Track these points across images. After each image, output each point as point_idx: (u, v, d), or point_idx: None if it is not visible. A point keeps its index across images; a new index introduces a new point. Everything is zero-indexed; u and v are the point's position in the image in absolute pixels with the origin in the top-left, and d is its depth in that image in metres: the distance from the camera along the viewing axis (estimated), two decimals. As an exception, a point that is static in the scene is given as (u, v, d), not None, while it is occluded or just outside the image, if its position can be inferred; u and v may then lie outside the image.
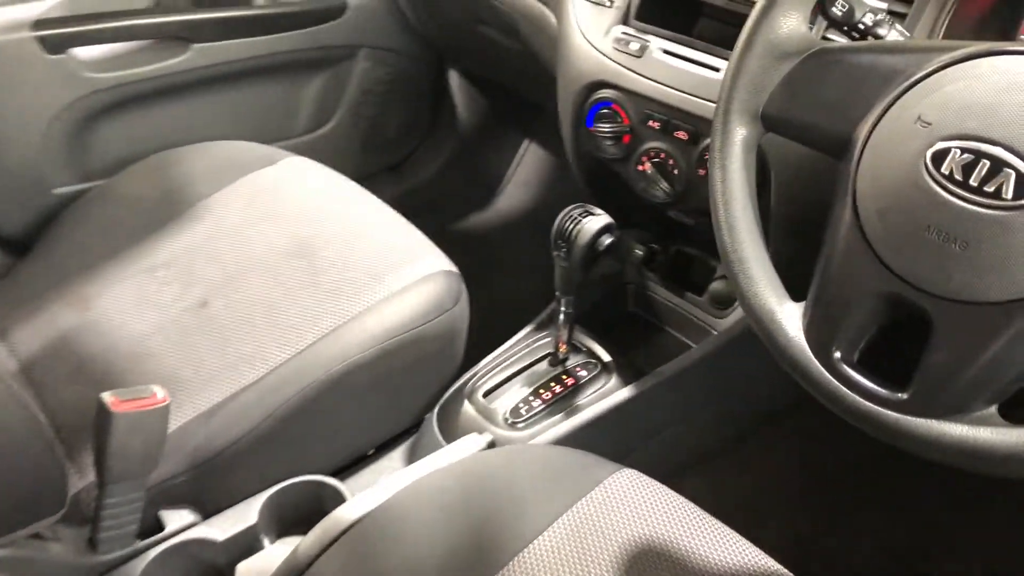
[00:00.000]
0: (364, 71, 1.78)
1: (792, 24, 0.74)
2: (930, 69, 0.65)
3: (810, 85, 0.72)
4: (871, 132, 0.66)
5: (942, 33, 0.91)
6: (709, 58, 1.09)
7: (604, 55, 1.16)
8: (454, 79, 2.03)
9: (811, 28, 0.76)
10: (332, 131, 1.79)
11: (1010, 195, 0.58)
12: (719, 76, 1.06)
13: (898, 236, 0.63)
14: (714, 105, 1.04)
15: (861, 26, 0.82)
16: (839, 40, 0.82)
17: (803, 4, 0.74)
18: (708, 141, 1.06)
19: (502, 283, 1.82)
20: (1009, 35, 0.90)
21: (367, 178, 1.55)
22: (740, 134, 0.75)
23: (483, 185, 2.17)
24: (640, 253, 1.25)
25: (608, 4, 1.17)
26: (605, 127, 1.16)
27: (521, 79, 1.83)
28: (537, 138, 2.16)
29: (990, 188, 0.59)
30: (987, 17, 0.95)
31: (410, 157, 2.03)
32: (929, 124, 0.63)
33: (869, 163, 0.66)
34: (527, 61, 1.52)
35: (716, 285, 1.30)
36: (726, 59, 1.06)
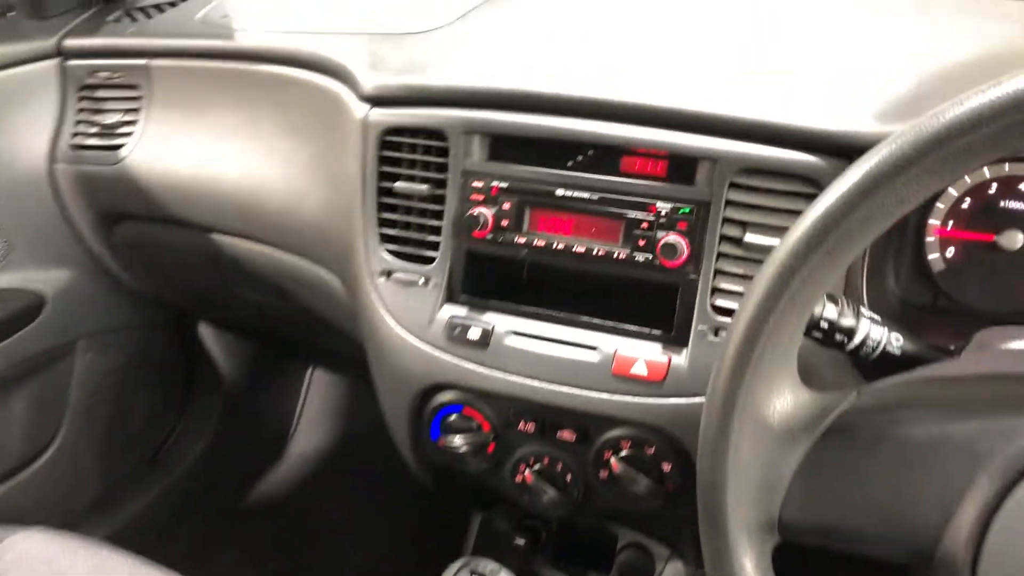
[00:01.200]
0: (87, 365, 1.36)
1: (787, 394, 0.50)
2: None
3: (846, 475, 0.49)
4: (980, 543, 0.43)
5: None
6: (578, 332, 0.84)
7: (436, 349, 0.88)
8: (206, 332, 1.65)
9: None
10: (57, 455, 1.34)
11: None
12: (598, 355, 0.82)
13: None
14: (601, 395, 0.82)
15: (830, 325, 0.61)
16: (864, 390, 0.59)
17: (790, 352, 0.51)
18: (608, 436, 0.82)
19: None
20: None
21: (116, 486, 1.30)
22: (744, 563, 0.50)
23: (269, 437, 1.78)
24: (521, 543, 0.97)
25: (422, 282, 0.89)
26: (458, 440, 0.88)
27: (295, 328, 1.50)
28: (323, 361, 1.82)
29: None
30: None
31: (170, 439, 1.61)
32: None
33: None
34: (300, 315, 1.22)
35: (625, 557, 1.05)
36: (601, 330, 0.83)
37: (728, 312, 0.79)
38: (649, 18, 0.97)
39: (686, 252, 0.80)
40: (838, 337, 0.61)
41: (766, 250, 0.78)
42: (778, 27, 0.92)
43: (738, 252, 0.79)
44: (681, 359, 0.81)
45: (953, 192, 0.81)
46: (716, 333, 0.80)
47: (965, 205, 0.81)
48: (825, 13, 0.94)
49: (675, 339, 0.82)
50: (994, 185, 0.80)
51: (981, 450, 0.45)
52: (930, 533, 0.45)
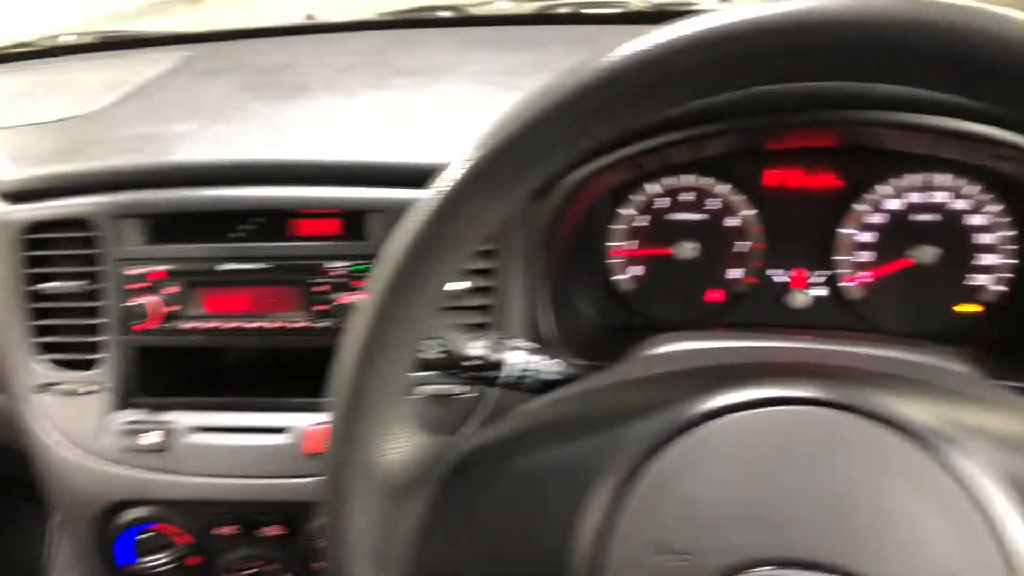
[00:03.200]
0: None
1: (401, 440, 0.45)
2: (640, 456, 0.41)
3: (465, 522, 0.44)
4: (600, 564, 0.40)
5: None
6: (266, 416, 0.77)
7: (111, 463, 0.77)
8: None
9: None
10: None
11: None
12: (288, 437, 0.75)
13: None
14: (297, 480, 0.75)
15: (476, 364, 0.57)
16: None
17: (400, 400, 0.46)
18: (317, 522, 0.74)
19: None
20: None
21: None
22: None
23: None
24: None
25: (88, 390, 0.79)
26: (156, 560, 0.77)
27: None
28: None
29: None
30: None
31: None
32: (686, 554, 0.38)
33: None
34: None
35: None
36: (291, 408, 0.76)
37: None
38: (291, 79, 0.93)
39: (367, 309, 0.75)
40: (486, 373, 0.58)
41: (450, 295, 0.75)
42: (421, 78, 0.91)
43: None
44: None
45: (629, 211, 0.82)
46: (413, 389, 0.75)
47: (641, 223, 0.82)
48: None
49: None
50: (663, 200, 0.81)
51: (592, 466, 0.42)
52: (553, 566, 0.41)
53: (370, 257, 0.75)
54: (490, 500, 0.43)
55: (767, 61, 0.36)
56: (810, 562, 0.37)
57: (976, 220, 0.75)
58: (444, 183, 0.42)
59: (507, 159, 0.41)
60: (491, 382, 0.58)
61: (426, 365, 0.57)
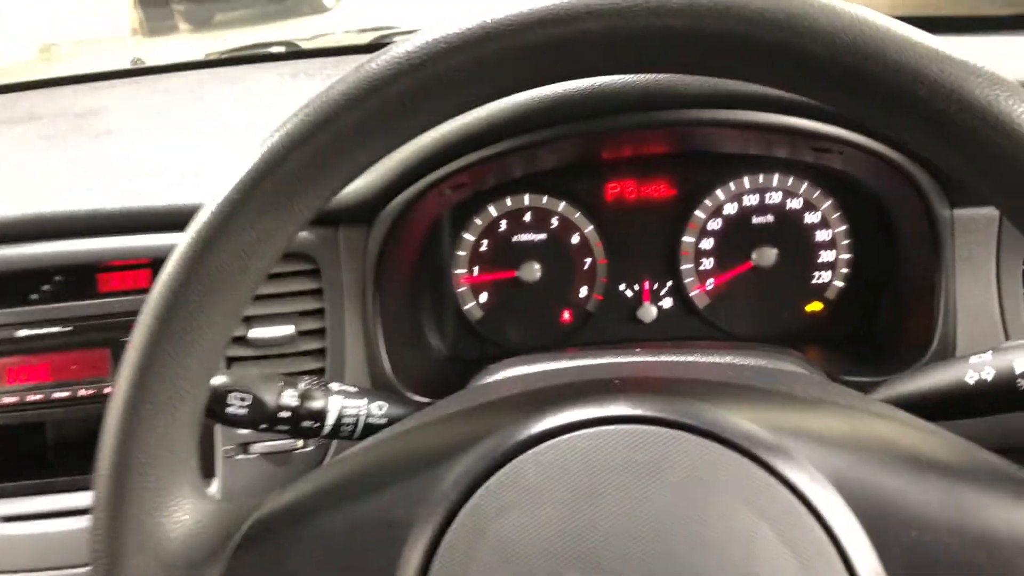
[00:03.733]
0: None
1: (184, 511, 0.40)
2: (456, 499, 0.37)
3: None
4: None
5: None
6: (68, 498, 0.69)
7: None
8: None
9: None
10: None
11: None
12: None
13: None
14: None
15: (295, 414, 0.52)
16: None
17: (182, 465, 0.40)
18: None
19: None
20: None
21: None
22: None
23: None
24: None
25: None
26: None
27: None
28: None
29: None
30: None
31: None
32: None
33: None
34: None
35: None
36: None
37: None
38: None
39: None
40: (306, 424, 0.52)
41: (272, 343, 0.70)
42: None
43: (248, 352, 0.69)
44: (213, 489, 0.69)
45: (470, 237, 0.78)
46: (246, 449, 0.69)
47: (484, 248, 0.79)
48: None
49: (202, 469, 0.69)
50: (503, 222, 0.78)
51: (405, 517, 0.38)
52: None
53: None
54: (299, 567, 0.38)
55: (535, 57, 0.34)
56: None
57: (811, 218, 0.75)
58: (200, 221, 0.37)
59: (268, 184, 0.37)
60: (313, 433, 0.53)
61: (233, 422, 0.51)
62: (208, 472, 0.70)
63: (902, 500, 0.35)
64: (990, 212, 0.63)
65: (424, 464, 0.40)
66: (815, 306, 0.77)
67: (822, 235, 0.76)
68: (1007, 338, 0.63)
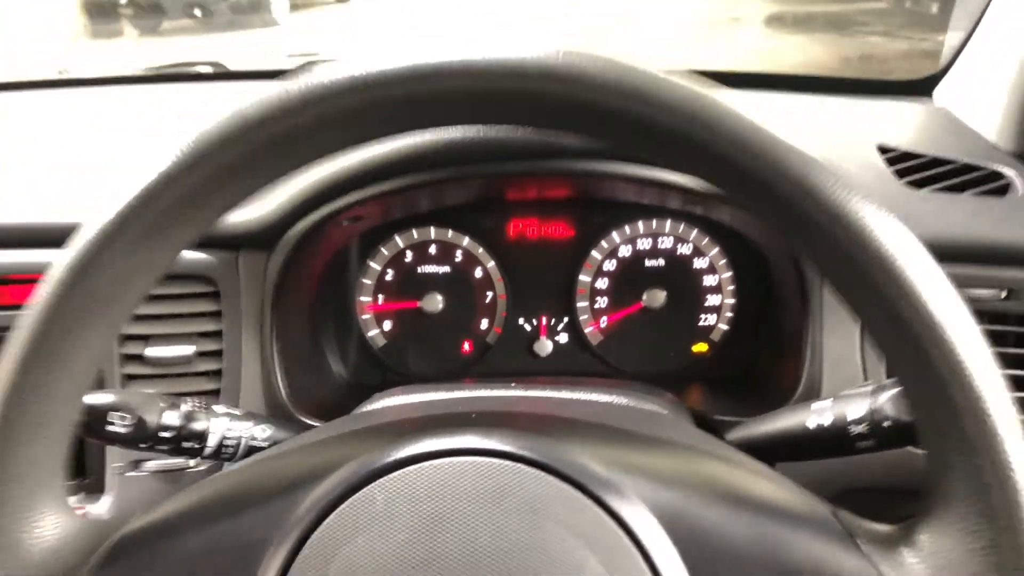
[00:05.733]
0: None
1: (44, 525, 0.41)
2: (309, 523, 0.39)
3: None
4: None
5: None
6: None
7: None
8: None
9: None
10: None
11: None
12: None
13: None
14: None
15: (177, 434, 0.53)
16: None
17: (47, 479, 0.41)
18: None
19: None
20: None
21: None
22: None
23: None
24: None
25: None
26: None
27: None
28: None
29: None
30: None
31: None
32: None
33: None
34: None
35: None
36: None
37: None
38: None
39: (85, 383, 0.69)
40: (188, 444, 0.54)
41: (170, 363, 0.71)
42: None
43: (145, 370, 0.70)
44: (102, 507, 0.69)
45: (375, 266, 0.81)
46: (137, 466, 0.70)
47: (389, 277, 0.81)
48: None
49: (92, 486, 0.70)
50: (409, 253, 0.81)
51: (260, 539, 0.39)
52: None
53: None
54: None
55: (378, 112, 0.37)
56: None
57: (699, 263, 0.80)
58: (76, 246, 0.39)
59: (143, 215, 0.39)
60: (195, 454, 0.55)
61: (113, 440, 0.52)
62: (100, 488, 0.71)
63: (718, 535, 0.39)
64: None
65: (283, 489, 0.42)
66: (701, 347, 0.81)
67: (709, 280, 0.80)
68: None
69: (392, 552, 0.39)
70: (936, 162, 0.73)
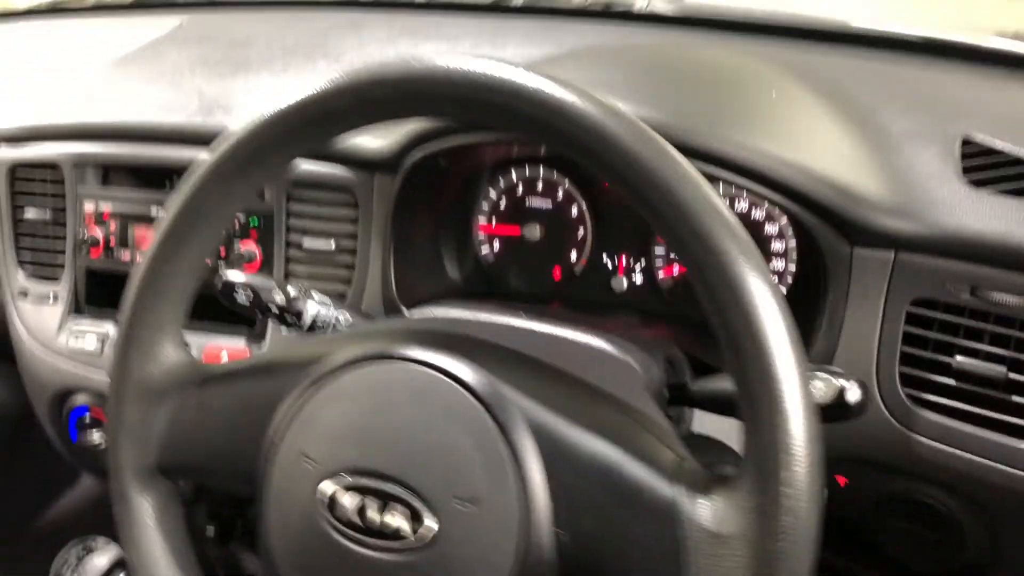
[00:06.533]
0: None
1: (164, 356, 0.62)
2: (300, 391, 0.56)
3: (198, 425, 0.61)
4: (266, 477, 0.56)
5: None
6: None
7: (62, 357, 0.98)
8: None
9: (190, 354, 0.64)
10: None
11: (409, 534, 0.51)
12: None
13: None
14: None
15: (281, 309, 0.74)
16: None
17: (169, 325, 0.62)
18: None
19: None
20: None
21: None
22: (144, 504, 0.61)
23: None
24: (212, 531, 1.06)
25: (51, 299, 1.00)
26: (93, 437, 0.98)
27: None
28: None
29: (389, 529, 0.51)
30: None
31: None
32: (313, 461, 0.54)
33: (275, 515, 0.55)
34: None
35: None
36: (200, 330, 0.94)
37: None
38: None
39: (259, 257, 0.92)
40: (289, 318, 0.74)
41: (317, 254, 0.92)
42: None
43: (301, 257, 0.92)
44: (262, 350, 0.93)
45: (492, 194, 0.96)
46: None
47: (502, 205, 0.96)
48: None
49: (256, 334, 0.94)
50: (520, 187, 0.95)
51: (280, 395, 0.58)
52: (250, 469, 0.57)
53: (261, 214, 0.92)
54: (212, 412, 0.60)
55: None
56: (383, 473, 0.52)
57: (770, 229, 0.86)
58: (221, 147, 0.57)
59: (249, 145, 0.56)
60: (297, 327, 0.75)
61: (238, 306, 0.74)
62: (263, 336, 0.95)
63: (574, 447, 0.51)
64: (885, 255, 0.71)
65: (306, 363, 0.59)
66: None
67: (777, 246, 0.86)
68: (878, 368, 0.72)
69: (347, 422, 0.55)
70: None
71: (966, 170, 0.73)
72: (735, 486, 0.47)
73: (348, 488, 0.52)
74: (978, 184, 0.72)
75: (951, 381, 0.70)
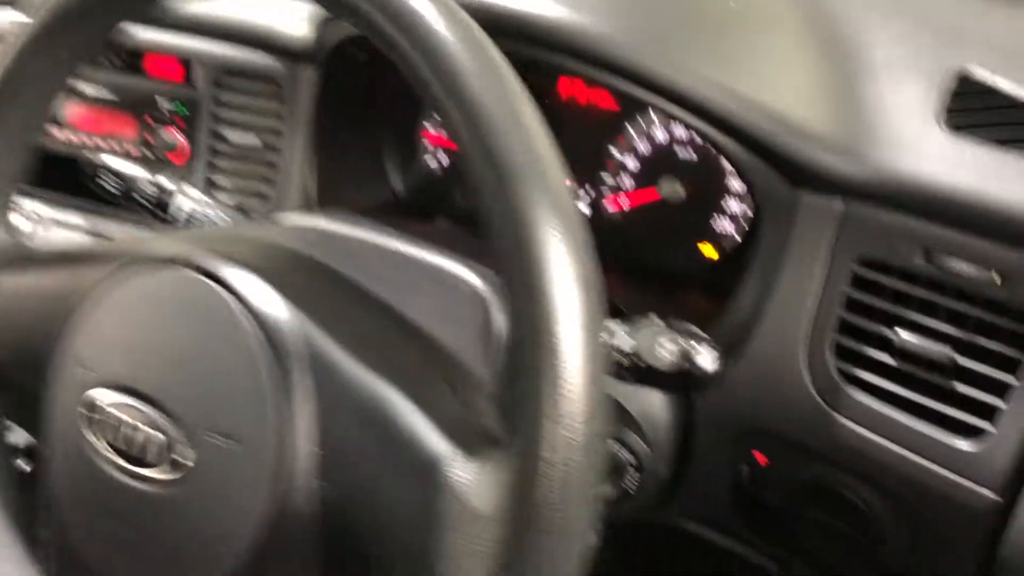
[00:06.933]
0: None
1: None
2: (89, 287, 0.50)
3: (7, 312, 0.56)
4: (46, 375, 0.51)
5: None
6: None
7: None
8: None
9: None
10: None
11: (160, 465, 0.45)
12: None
13: (102, 539, 0.48)
14: None
15: (149, 202, 0.68)
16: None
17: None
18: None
19: None
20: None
21: None
22: None
23: None
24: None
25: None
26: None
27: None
28: None
29: (141, 456, 0.45)
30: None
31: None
32: (83, 367, 0.48)
33: (47, 416, 0.51)
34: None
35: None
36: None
37: None
38: None
39: (187, 150, 0.86)
40: (160, 213, 0.68)
41: (241, 148, 0.85)
42: None
43: (227, 150, 0.86)
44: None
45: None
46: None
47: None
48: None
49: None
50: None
51: (60, 293, 0.52)
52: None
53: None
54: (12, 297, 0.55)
55: None
56: (142, 393, 0.46)
57: (728, 164, 0.74)
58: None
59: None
60: (158, 218, 0.69)
61: (105, 193, 0.68)
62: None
63: (358, 382, 0.43)
64: (834, 203, 0.60)
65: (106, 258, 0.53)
66: (710, 251, 0.77)
67: (736, 185, 0.74)
68: (811, 334, 0.62)
69: (119, 326, 0.49)
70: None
71: (950, 111, 0.60)
72: (502, 452, 0.39)
73: (110, 404, 0.46)
74: (959, 128, 0.59)
75: (890, 359, 0.59)
